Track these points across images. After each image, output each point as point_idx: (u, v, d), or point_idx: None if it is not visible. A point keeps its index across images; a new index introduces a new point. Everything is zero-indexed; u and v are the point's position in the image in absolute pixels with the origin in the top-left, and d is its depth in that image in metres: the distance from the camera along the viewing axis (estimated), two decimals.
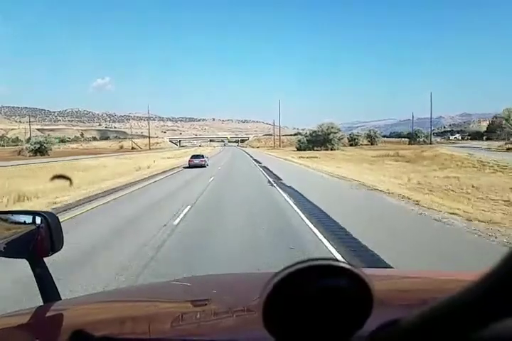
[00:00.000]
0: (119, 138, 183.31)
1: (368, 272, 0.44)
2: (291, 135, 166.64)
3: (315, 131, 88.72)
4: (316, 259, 0.46)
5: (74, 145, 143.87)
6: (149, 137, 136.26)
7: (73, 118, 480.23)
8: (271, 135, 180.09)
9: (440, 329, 0.40)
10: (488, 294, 0.36)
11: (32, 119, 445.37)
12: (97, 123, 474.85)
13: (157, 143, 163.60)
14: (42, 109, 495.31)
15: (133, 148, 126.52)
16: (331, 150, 77.79)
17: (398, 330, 0.45)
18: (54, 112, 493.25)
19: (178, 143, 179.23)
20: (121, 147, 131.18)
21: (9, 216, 1.48)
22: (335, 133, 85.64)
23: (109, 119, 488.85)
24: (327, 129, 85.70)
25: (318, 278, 0.46)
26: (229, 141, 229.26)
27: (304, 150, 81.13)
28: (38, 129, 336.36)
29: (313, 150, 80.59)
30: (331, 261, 0.46)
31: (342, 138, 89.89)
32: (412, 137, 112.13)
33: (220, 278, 1.95)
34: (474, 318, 0.37)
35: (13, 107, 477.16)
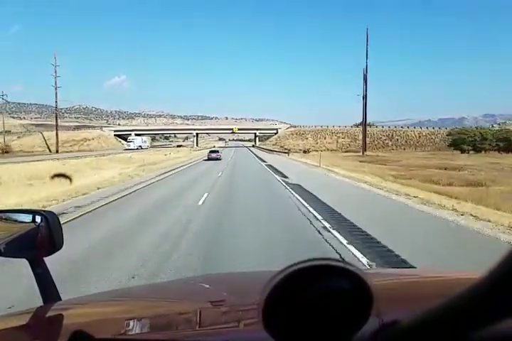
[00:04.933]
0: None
1: (368, 272, 0.40)
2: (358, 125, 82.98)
3: None
4: (316, 259, 0.43)
5: None
6: (56, 129, 57.51)
7: (80, 115, 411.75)
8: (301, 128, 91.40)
9: (441, 329, 0.37)
10: (489, 294, 0.33)
11: (37, 116, 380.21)
12: (105, 120, 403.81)
13: (86, 139, 77.59)
14: (49, 106, 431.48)
15: (5, 152, 47.07)
16: None
17: (399, 331, 0.42)
18: (61, 109, 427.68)
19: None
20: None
21: (8, 215, 1.36)
22: None
23: (117, 116, 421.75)
24: None
25: (318, 279, 0.43)
26: (234, 139, 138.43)
27: None
28: (24, 124, 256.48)
29: None
30: (330, 262, 0.44)
31: None
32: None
33: (225, 277, 1.83)
34: (475, 318, 0.35)
35: (18, 103, 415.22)
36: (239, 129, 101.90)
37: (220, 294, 1.26)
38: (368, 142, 64.32)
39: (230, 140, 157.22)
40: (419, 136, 68.98)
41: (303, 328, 0.44)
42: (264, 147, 72.39)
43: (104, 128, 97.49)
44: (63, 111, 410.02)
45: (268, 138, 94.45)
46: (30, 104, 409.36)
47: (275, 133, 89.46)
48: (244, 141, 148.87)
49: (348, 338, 0.45)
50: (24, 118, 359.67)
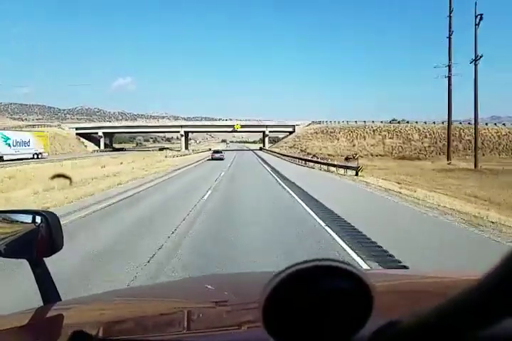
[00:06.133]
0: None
1: (368, 272, 0.39)
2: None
3: None
4: (317, 260, 0.43)
5: None
6: None
7: (82, 116, 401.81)
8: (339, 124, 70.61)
9: (441, 329, 0.37)
10: (489, 294, 0.33)
11: (39, 117, 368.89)
12: (108, 122, 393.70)
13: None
14: (51, 107, 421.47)
15: None
16: None
17: (399, 331, 0.42)
18: (64, 110, 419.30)
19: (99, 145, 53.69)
20: None
21: (8, 215, 1.34)
22: None
23: (120, 118, 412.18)
24: None
25: (318, 279, 0.42)
26: (237, 141, 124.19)
27: None
28: (21, 126, 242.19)
29: None
30: (330, 262, 0.43)
31: None
32: None
33: (225, 278, 1.81)
34: (475, 318, 0.34)
35: (21, 104, 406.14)
36: (242, 126, 75.35)
37: (221, 294, 1.24)
38: (427, 144, 47.79)
39: (230, 142, 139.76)
40: (498, 136, 52.10)
41: (303, 328, 0.43)
42: (277, 151, 50.41)
43: (63, 126, 76.49)
44: (65, 112, 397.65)
45: (280, 140, 75.58)
46: (33, 105, 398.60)
47: (291, 132, 67.96)
48: (249, 142, 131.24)
49: (348, 338, 0.45)
50: (26, 119, 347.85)
